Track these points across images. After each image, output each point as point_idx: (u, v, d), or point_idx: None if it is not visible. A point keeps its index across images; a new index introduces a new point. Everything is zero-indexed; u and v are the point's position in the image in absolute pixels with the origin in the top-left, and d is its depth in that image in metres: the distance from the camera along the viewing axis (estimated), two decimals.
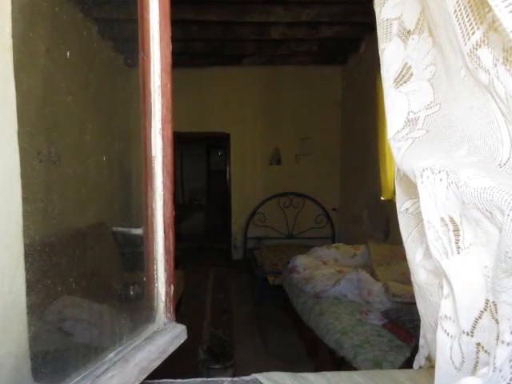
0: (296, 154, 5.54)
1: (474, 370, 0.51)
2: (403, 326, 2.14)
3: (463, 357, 0.52)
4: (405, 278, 2.66)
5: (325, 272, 3.20)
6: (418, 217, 0.67)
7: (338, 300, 2.74)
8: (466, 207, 0.47)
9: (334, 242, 5.06)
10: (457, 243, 0.51)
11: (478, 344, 0.50)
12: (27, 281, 0.70)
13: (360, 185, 4.70)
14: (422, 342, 0.80)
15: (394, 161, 0.64)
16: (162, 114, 0.95)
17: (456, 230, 0.51)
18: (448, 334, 0.54)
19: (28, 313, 0.71)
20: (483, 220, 0.46)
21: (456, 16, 0.48)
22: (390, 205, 3.63)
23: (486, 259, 0.48)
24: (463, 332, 0.51)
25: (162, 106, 0.95)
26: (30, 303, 0.71)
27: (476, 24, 0.47)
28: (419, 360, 0.83)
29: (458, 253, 0.51)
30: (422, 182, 0.53)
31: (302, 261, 3.50)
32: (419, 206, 0.55)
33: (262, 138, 5.51)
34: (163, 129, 0.95)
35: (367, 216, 4.39)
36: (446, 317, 0.54)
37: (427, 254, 0.65)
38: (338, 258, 3.69)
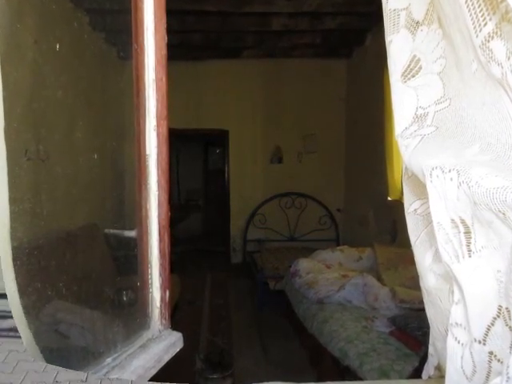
0: (298, 152, 5.53)
1: (486, 380, 0.51)
2: (411, 334, 2.14)
3: (475, 366, 0.52)
4: (413, 282, 2.66)
5: (328, 276, 3.20)
6: (427, 218, 0.67)
7: (343, 306, 2.74)
8: (478, 208, 0.47)
9: (338, 245, 5.05)
10: (468, 246, 0.51)
11: (491, 353, 0.50)
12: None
13: (366, 184, 4.70)
14: (431, 350, 0.80)
15: (402, 159, 0.64)
16: (157, 110, 0.95)
17: (467, 232, 0.51)
18: (459, 342, 0.54)
19: None
20: (496, 221, 0.46)
21: (467, 6, 0.48)
22: (398, 205, 3.63)
23: (498, 263, 0.48)
24: (475, 340, 0.51)
25: (157, 101, 0.95)
26: None
27: (488, 15, 0.47)
28: (428, 369, 0.83)
29: (470, 256, 0.51)
30: (431, 182, 0.53)
31: (304, 264, 3.50)
32: (428, 207, 0.55)
33: (263, 135, 5.50)
34: (158, 125, 0.95)
35: (373, 217, 4.39)
36: (456, 324, 0.54)
37: (437, 257, 0.65)
38: (342, 261, 3.69)
